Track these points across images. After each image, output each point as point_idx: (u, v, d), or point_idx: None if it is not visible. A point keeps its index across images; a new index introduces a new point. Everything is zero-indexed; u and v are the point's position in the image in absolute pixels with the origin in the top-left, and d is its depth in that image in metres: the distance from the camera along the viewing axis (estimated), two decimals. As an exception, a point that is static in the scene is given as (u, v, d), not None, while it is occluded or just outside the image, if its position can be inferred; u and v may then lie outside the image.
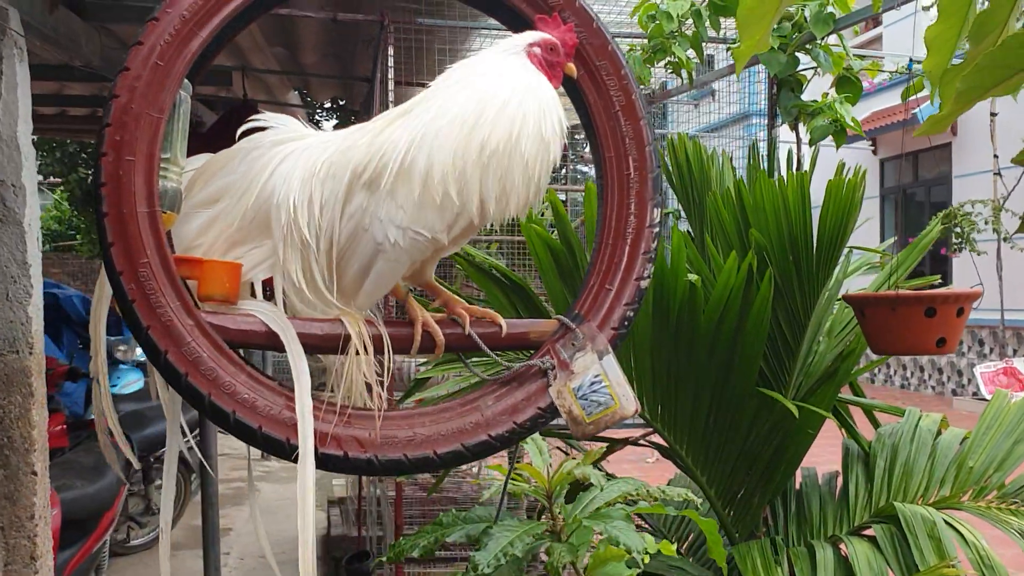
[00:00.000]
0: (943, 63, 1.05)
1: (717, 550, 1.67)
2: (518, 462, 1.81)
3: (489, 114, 1.26)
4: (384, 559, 1.73)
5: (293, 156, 1.34)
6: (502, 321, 1.38)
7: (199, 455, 2.75)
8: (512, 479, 1.64)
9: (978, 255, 8.37)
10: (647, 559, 1.46)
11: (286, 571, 5.44)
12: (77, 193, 14.60)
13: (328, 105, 11.18)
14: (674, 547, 1.73)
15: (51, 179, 16.98)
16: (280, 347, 1.28)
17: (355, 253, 1.30)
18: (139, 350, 8.57)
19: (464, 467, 6.06)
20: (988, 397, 14.60)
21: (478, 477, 5.74)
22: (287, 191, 1.30)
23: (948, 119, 0.99)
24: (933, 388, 13.42)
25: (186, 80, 1.25)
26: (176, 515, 6.89)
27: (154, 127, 1.21)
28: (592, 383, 1.28)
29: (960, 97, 0.87)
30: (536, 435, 1.79)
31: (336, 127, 16.07)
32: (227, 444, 10.02)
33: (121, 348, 8.28)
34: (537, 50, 1.33)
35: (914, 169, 14.06)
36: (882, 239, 13.41)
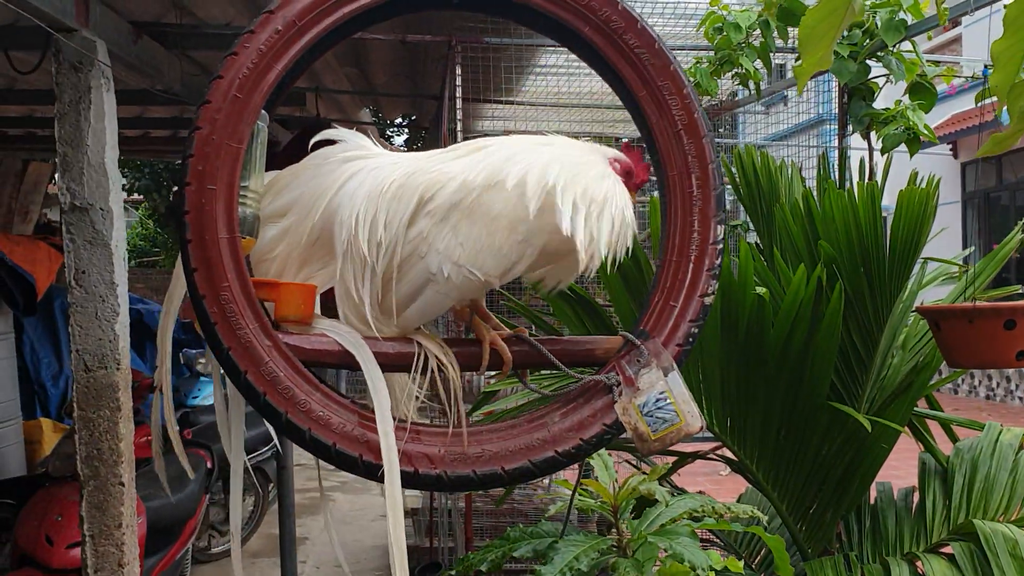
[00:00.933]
0: (1010, 78, 1.04)
1: (784, 567, 1.66)
2: (585, 477, 1.82)
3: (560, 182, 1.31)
4: (452, 572, 1.76)
5: (361, 175, 1.37)
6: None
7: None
8: (579, 494, 1.65)
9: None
10: (712, 575, 1.46)
11: None
12: (161, 210, 15.10)
13: (399, 121, 11.36)
14: (741, 563, 1.72)
15: (134, 196, 17.60)
16: (353, 366, 1.33)
17: (406, 277, 1.33)
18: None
19: (534, 480, 6.08)
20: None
21: (548, 491, 5.76)
22: (352, 208, 1.34)
23: (1013, 138, 0.98)
24: (1021, 399, 12.92)
25: (263, 111, 1.31)
26: (255, 525, 7.06)
27: (234, 157, 1.27)
28: (657, 400, 1.30)
29: (1023, 116, 0.86)
30: (602, 450, 1.81)
31: (406, 142, 16.38)
32: (303, 455, 10.18)
33: (202, 361, 8.53)
34: (617, 165, 1.39)
35: (997, 173, 13.60)
36: (964, 246, 13.01)
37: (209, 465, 5.30)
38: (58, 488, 3.78)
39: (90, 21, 2.33)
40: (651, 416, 1.30)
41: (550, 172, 1.30)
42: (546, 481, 6.14)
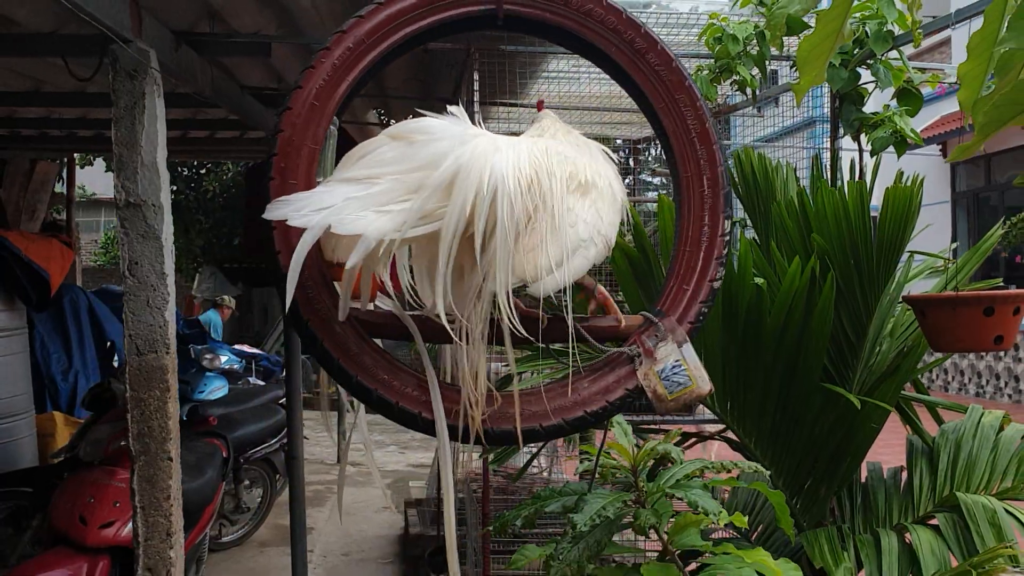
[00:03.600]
0: (974, 94, 1.25)
1: (785, 519, 1.86)
2: (583, 443, 2.02)
3: None
4: (490, 528, 1.95)
5: (504, 149, 1.50)
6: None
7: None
8: (601, 456, 1.86)
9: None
10: (723, 521, 1.66)
11: (366, 568, 5.81)
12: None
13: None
14: (746, 519, 1.92)
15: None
16: (408, 337, 1.53)
17: (556, 243, 1.48)
18: (223, 359, 8.99)
19: (535, 470, 6.28)
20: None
21: (548, 475, 5.96)
22: (516, 178, 1.45)
23: (975, 147, 1.18)
24: (1010, 396, 13.22)
25: (335, 116, 1.51)
26: (263, 515, 7.23)
27: (311, 156, 1.47)
28: (673, 367, 1.52)
29: (983, 129, 1.06)
30: (621, 419, 2.01)
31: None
32: (306, 450, 10.36)
33: (207, 357, 8.68)
34: None
35: (986, 173, 13.85)
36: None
37: (224, 455, 5.48)
38: (89, 472, 3.96)
39: (143, 32, 2.52)
40: (668, 380, 1.52)
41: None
42: (545, 473, 6.35)
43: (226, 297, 11.08)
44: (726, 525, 3.18)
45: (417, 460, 10.49)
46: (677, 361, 1.51)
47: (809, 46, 1.35)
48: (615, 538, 1.89)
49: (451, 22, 1.57)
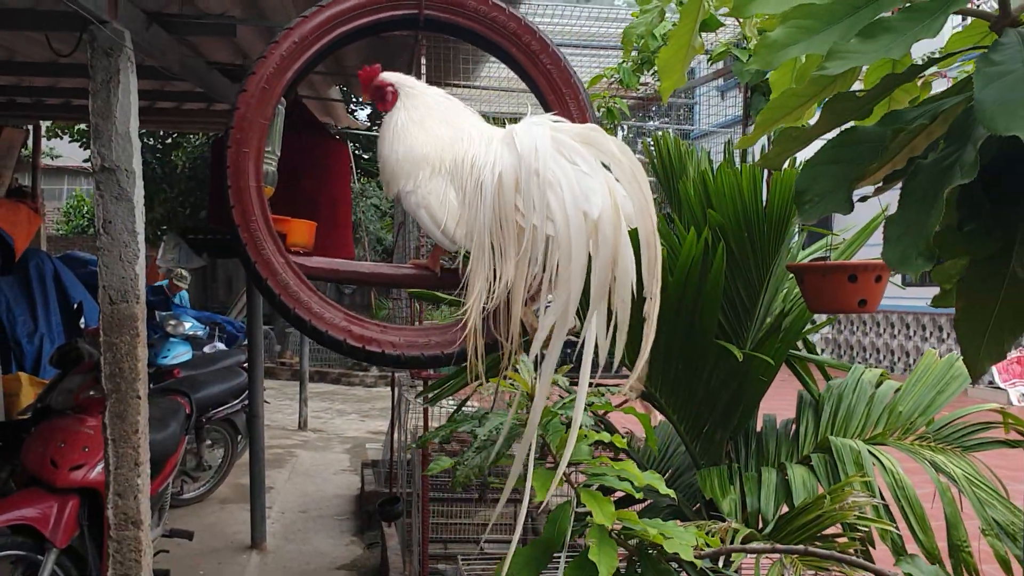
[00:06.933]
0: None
1: (650, 436, 2.23)
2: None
3: None
4: (414, 446, 2.30)
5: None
6: None
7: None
8: (503, 387, 2.21)
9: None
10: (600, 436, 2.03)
11: (323, 523, 6.26)
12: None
13: (362, 99, 11.78)
14: (625, 441, 2.29)
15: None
16: (336, 279, 1.88)
17: None
18: (187, 325, 9.24)
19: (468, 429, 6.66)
20: (1002, 386, 14.91)
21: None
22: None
23: (753, 139, 1.54)
24: (888, 367, 14.48)
25: (282, 97, 1.84)
26: (224, 474, 7.54)
27: (262, 130, 1.81)
28: (547, 306, 1.87)
29: (758, 126, 1.42)
30: (526, 359, 2.36)
31: (369, 116, 16.90)
32: (268, 417, 10.73)
33: (171, 323, 8.95)
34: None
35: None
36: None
37: (188, 411, 5.78)
38: (61, 419, 4.26)
39: (118, 14, 2.82)
40: (540, 317, 1.87)
41: None
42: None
43: (181, 271, 11.32)
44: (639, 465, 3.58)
45: (376, 428, 10.86)
46: (549, 301, 1.86)
47: (666, 56, 1.70)
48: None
49: (381, 23, 1.90)
